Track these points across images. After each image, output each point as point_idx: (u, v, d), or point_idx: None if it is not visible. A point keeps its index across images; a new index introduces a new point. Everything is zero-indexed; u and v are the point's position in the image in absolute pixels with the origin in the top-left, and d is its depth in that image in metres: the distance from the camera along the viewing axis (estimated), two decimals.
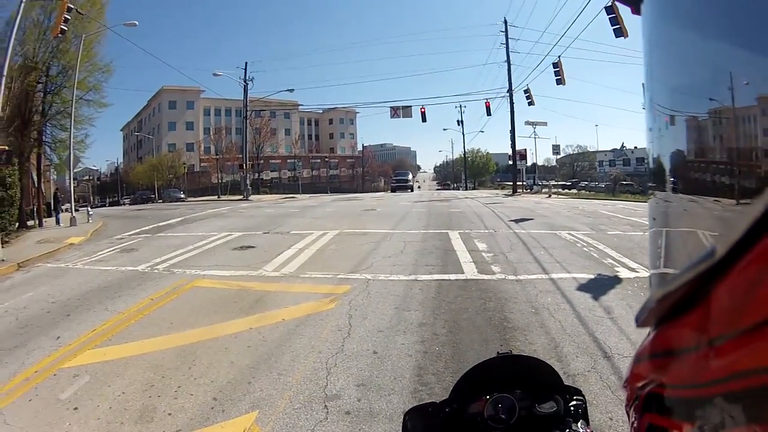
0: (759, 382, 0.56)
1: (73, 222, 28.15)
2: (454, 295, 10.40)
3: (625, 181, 70.70)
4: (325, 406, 5.91)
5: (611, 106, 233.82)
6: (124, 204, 75.58)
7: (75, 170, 35.79)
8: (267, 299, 10.52)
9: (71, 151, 31.79)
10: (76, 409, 5.86)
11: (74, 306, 10.43)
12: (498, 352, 1.89)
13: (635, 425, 1.06)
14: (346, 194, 66.96)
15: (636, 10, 1.05)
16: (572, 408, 1.80)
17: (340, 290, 10.91)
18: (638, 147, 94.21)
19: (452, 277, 11.91)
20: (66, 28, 28.54)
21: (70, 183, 33.81)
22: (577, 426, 1.75)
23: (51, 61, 31.82)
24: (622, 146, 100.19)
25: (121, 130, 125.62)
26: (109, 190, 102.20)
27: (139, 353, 7.64)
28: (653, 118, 0.97)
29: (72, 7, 28.45)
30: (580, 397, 1.85)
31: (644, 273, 11.82)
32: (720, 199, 0.72)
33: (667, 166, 0.93)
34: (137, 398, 6.15)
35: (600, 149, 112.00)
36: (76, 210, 31.83)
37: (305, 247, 16.65)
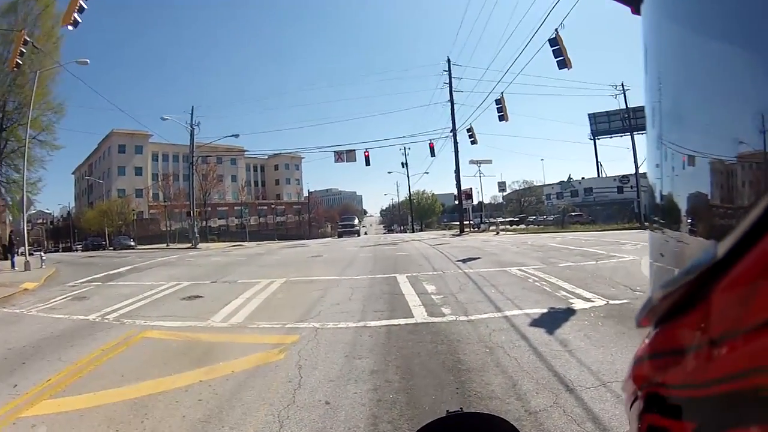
0: (759, 382, 0.55)
1: (27, 266, 28.26)
2: (404, 339, 10.25)
3: (574, 212, 72.07)
4: None
5: (556, 139, 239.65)
6: (77, 250, 75.16)
7: (28, 213, 35.76)
8: (216, 350, 10.26)
9: (24, 194, 32.10)
10: None
11: (29, 354, 10.18)
12: (447, 411, 1.72)
13: (635, 425, 1.03)
14: (294, 240, 67.01)
15: (636, 11, 1.04)
16: None
17: (289, 340, 10.66)
18: (585, 177, 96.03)
19: (402, 321, 11.77)
20: (21, 62, 28.78)
21: (23, 226, 33.47)
22: None
23: (8, 96, 31.69)
24: (569, 178, 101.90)
25: (72, 173, 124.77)
26: (61, 234, 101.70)
27: (93, 405, 7.38)
28: (662, 155, 0.95)
29: (28, 39, 28.56)
30: None
31: (599, 302, 11.94)
32: None
33: (683, 206, 0.90)
34: None
35: (547, 183, 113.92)
36: (30, 254, 31.40)
37: (253, 296, 16.39)
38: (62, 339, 11.41)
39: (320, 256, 31.24)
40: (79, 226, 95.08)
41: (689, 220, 0.88)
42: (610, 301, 11.84)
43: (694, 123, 0.87)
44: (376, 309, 13.35)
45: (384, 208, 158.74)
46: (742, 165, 0.67)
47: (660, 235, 1.04)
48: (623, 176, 78.91)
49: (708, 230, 0.82)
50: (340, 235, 74.63)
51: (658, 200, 1.00)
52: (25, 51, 28.90)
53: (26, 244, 31.96)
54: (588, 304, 11.85)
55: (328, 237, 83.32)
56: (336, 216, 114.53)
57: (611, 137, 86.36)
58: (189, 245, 60.35)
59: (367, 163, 59.59)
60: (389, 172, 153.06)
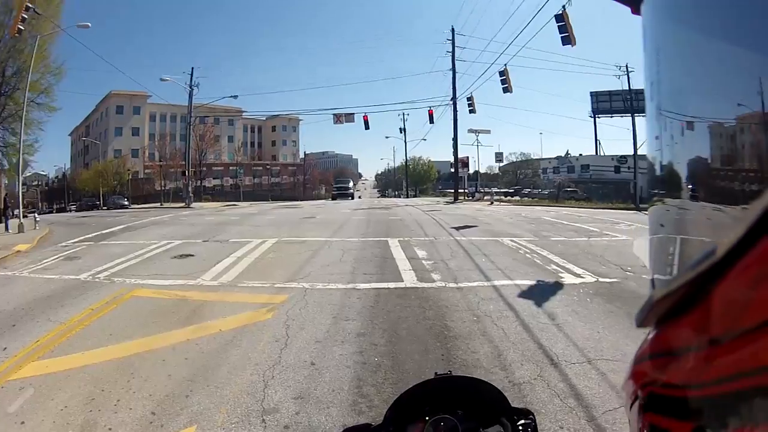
0: (759, 382, 0.55)
1: (21, 228, 27.98)
2: (393, 303, 10.29)
3: (569, 187, 71.98)
4: (263, 419, 5.74)
5: (556, 114, 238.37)
6: (71, 210, 74.71)
7: (24, 175, 35.45)
8: (204, 309, 10.27)
9: (21, 156, 31.41)
10: (23, 423, 5.66)
11: (20, 316, 10.11)
12: (436, 373, 1.70)
13: (635, 425, 1.03)
14: (287, 202, 66.94)
15: (636, 10, 1.04)
16: (520, 427, 1.63)
17: (278, 300, 10.69)
18: (582, 154, 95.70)
19: (391, 285, 11.81)
20: (23, 28, 28.39)
21: (18, 189, 33.17)
22: None
23: (7, 62, 31.30)
24: (567, 154, 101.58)
25: (69, 135, 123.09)
26: (56, 195, 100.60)
27: (80, 365, 7.40)
28: (661, 126, 0.94)
29: (30, 6, 28.29)
30: (530, 416, 1.68)
31: (590, 278, 11.97)
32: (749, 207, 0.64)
33: (683, 173, 0.89)
34: (79, 412, 5.93)
35: (544, 157, 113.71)
36: (24, 216, 31.23)
37: (243, 255, 16.40)
38: (53, 299, 11.38)
39: (313, 218, 31.24)
40: (74, 187, 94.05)
41: (690, 186, 0.87)
42: (600, 279, 11.85)
43: (692, 89, 0.86)
44: (366, 272, 13.40)
45: (379, 172, 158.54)
46: (741, 127, 0.67)
47: (660, 206, 1.03)
48: (621, 156, 78.63)
49: (708, 194, 0.82)
50: (334, 198, 74.86)
51: (657, 172, 0.99)
52: (26, 17, 28.72)
53: (21, 207, 31.71)
54: (578, 280, 11.88)
55: (322, 199, 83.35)
56: (331, 178, 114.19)
57: (612, 116, 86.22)
58: (183, 204, 59.98)
59: (366, 126, 59.92)
60: (387, 137, 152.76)
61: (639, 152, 54.27)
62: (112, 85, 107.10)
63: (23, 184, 34.38)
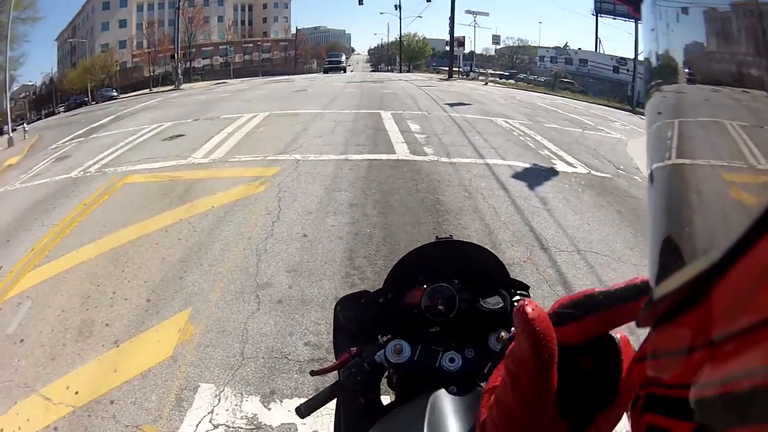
0: (759, 382, 0.46)
1: (11, 143, 27.06)
2: (385, 175, 10.32)
3: (566, 78, 71.16)
4: (257, 295, 5.84)
5: (557, 6, 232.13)
6: (59, 113, 73.47)
7: (12, 90, 34.65)
8: (196, 187, 10.24)
9: (7, 73, 30.68)
10: (22, 341, 5.62)
11: (13, 229, 9.78)
12: (437, 237, 1.66)
13: (635, 425, 0.85)
14: (279, 77, 65.91)
15: (636, 10, 0.86)
16: (516, 303, 1.60)
17: (270, 172, 10.66)
18: (582, 49, 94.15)
19: (383, 157, 11.80)
20: None
21: (6, 105, 32.45)
22: None
23: None
24: (566, 45, 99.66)
25: (55, 40, 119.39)
26: (45, 102, 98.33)
27: (74, 264, 7.36)
28: (656, 18, 0.75)
29: None
30: (525, 292, 1.66)
31: (582, 169, 11.83)
32: (749, 90, 0.52)
33: (680, 58, 0.73)
34: (76, 314, 5.97)
35: (542, 45, 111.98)
36: (14, 130, 30.54)
37: (235, 131, 16.17)
38: (45, 203, 11.09)
39: (305, 91, 30.61)
40: (62, 90, 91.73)
41: (687, 70, 0.71)
42: (593, 172, 11.70)
43: None
44: (359, 143, 13.38)
45: (372, 47, 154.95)
46: (736, 13, 0.58)
47: (657, 95, 0.99)
48: (621, 58, 77.57)
49: (705, 76, 0.67)
50: (325, 72, 73.74)
51: (653, 64, 0.96)
52: None
53: (9, 122, 30.83)
54: (570, 169, 11.77)
55: (314, 73, 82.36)
56: (323, 53, 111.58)
57: (614, 18, 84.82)
58: (172, 87, 58.70)
59: (360, 2, 58.65)
60: (381, 13, 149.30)
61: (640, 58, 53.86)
62: None
63: (11, 99, 33.83)
